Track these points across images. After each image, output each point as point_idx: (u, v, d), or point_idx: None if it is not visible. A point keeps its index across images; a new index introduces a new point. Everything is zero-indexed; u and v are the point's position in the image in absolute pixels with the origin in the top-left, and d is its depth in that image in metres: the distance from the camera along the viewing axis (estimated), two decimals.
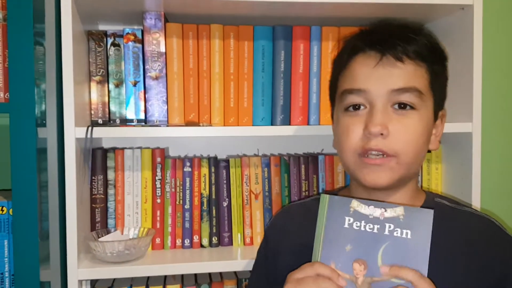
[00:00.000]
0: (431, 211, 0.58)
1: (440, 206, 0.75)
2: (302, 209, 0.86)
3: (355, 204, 0.60)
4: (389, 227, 0.59)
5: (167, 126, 0.98)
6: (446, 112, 0.78)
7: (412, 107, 0.68)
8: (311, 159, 1.10)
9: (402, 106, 0.68)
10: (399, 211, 0.59)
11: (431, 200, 0.76)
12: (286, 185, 1.10)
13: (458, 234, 0.71)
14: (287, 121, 1.07)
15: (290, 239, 0.81)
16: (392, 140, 0.67)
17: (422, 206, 0.73)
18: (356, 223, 0.60)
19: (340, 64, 0.75)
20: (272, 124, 1.06)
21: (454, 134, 1.02)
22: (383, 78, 0.68)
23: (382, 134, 0.66)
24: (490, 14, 1.31)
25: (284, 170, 1.10)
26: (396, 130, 0.67)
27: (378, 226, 0.59)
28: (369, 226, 0.60)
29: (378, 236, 0.59)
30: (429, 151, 0.94)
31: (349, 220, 0.60)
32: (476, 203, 0.99)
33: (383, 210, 0.59)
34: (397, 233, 0.59)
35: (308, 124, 1.07)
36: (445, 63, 0.75)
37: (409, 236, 0.58)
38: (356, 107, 0.70)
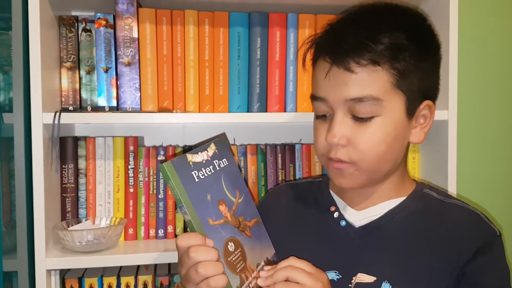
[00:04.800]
0: (222, 134, 0.72)
1: (428, 198, 0.74)
2: (294, 191, 0.86)
3: (190, 157, 0.65)
4: (216, 162, 0.68)
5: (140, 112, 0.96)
6: (432, 102, 0.71)
7: (371, 116, 0.66)
8: (288, 148, 1.09)
9: (361, 116, 0.66)
10: (213, 147, 0.68)
11: (420, 191, 0.75)
12: (263, 174, 1.08)
13: (442, 226, 0.70)
14: (263, 110, 1.05)
15: (276, 219, 0.82)
16: (351, 150, 0.67)
17: (408, 197, 0.73)
18: (200, 173, 0.65)
19: (312, 64, 0.74)
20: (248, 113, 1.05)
21: None
22: (336, 88, 0.66)
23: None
24: (466, 1, 1.31)
25: (260, 159, 1.08)
26: (355, 140, 0.66)
27: (211, 166, 0.67)
28: (208, 170, 0.66)
29: (216, 174, 0.67)
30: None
31: (195, 173, 0.64)
32: (452, 191, 0.99)
33: (206, 151, 0.67)
34: (221, 164, 0.69)
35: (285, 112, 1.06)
36: (422, 54, 0.67)
37: (227, 163, 0.70)
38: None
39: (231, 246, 0.65)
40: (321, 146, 0.70)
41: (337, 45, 0.66)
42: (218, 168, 0.67)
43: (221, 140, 0.69)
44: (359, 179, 0.69)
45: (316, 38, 0.73)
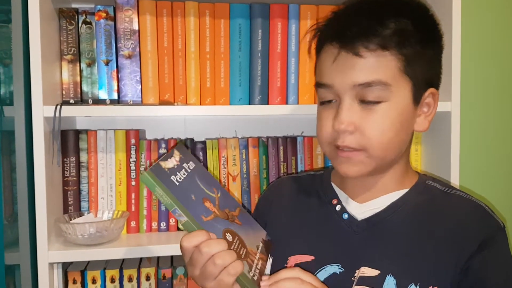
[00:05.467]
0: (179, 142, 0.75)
1: (431, 189, 0.74)
2: (296, 184, 0.85)
3: (163, 164, 0.66)
4: (186, 166, 0.69)
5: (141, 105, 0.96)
6: (435, 90, 0.71)
7: (379, 101, 0.65)
8: (289, 141, 1.09)
9: (368, 101, 0.66)
10: (177, 152, 0.69)
11: (422, 183, 0.74)
12: (265, 167, 1.08)
13: (446, 218, 0.70)
14: (265, 102, 1.05)
15: (278, 212, 0.82)
16: (359, 136, 0.66)
17: (412, 188, 0.73)
18: (178, 177, 0.66)
19: (316, 52, 0.73)
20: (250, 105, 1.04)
21: None
22: (344, 73, 0.66)
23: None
24: None
25: (262, 151, 1.08)
26: (363, 126, 0.65)
27: (183, 170, 0.68)
28: (182, 173, 0.68)
29: (190, 176, 0.69)
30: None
31: (173, 178, 0.66)
32: (454, 182, 0.98)
33: (173, 157, 0.68)
34: (190, 167, 0.70)
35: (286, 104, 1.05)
36: (426, 42, 0.68)
37: (194, 165, 0.71)
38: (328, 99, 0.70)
39: (229, 236, 0.66)
40: (327, 134, 0.69)
41: (345, 30, 0.66)
42: (189, 171, 0.69)
43: (181, 146, 0.71)
44: (368, 166, 0.68)
45: (321, 26, 0.72)
